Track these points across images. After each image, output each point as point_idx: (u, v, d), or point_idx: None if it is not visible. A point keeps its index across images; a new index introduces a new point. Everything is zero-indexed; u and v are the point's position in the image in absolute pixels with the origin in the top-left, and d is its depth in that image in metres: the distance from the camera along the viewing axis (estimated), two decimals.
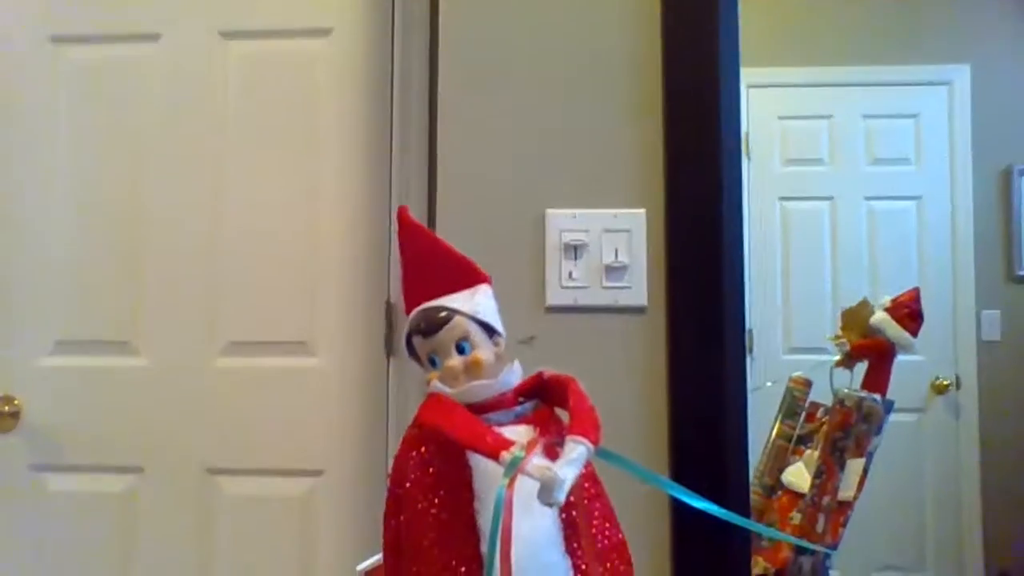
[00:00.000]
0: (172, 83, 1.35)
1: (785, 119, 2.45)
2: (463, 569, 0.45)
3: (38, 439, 1.32)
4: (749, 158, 2.51)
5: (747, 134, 2.32)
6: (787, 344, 2.43)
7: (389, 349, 1.29)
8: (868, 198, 2.47)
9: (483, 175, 1.06)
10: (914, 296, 1.40)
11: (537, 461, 0.42)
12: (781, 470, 1.39)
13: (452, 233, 1.04)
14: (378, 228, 1.30)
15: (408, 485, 0.47)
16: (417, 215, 1.18)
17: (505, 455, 0.42)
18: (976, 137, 2.29)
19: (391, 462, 1.21)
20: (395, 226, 1.22)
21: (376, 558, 0.57)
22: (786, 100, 2.41)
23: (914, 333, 1.39)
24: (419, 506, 0.46)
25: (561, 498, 0.41)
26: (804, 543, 1.13)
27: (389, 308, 1.29)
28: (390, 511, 0.49)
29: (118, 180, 1.35)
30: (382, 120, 1.31)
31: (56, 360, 1.33)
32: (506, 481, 0.41)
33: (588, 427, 0.45)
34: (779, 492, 1.37)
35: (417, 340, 0.52)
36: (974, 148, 2.29)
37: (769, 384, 1.47)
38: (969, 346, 2.32)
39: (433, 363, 0.50)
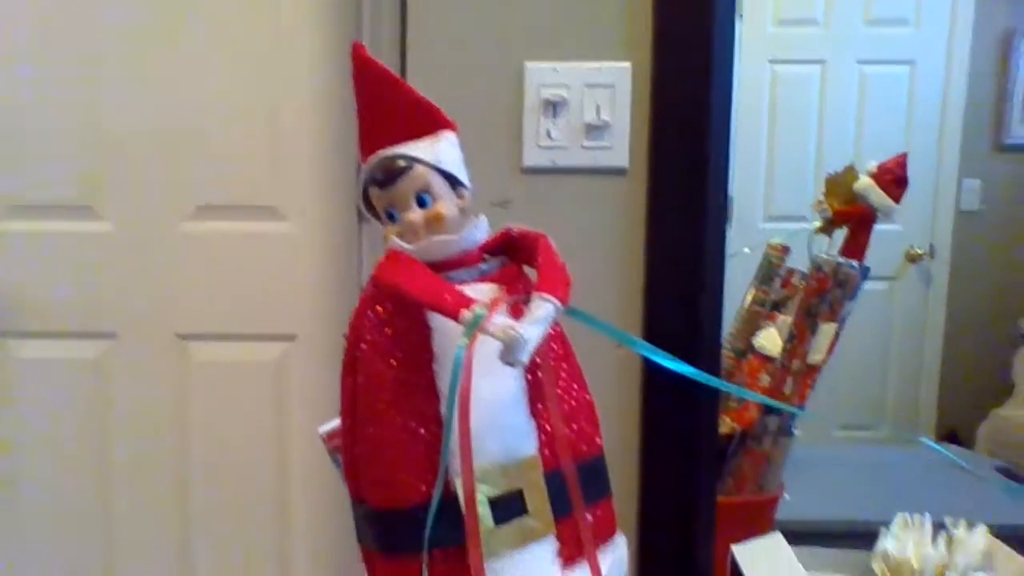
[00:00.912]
0: None
1: None
2: (422, 431, 0.43)
3: (3, 305, 1.28)
4: (740, 17, 2.36)
5: None
6: (767, 212, 2.39)
7: (361, 213, 1.24)
8: (861, 62, 2.36)
9: (457, 24, 0.97)
10: (901, 162, 1.35)
11: (500, 320, 0.38)
12: (753, 334, 1.39)
13: (423, 88, 0.96)
14: (347, 87, 1.21)
15: (364, 346, 0.44)
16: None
17: (465, 314, 0.39)
18: None
19: None
20: None
21: (338, 420, 0.55)
22: None
23: (897, 199, 1.35)
24: (376, 367, 0.43)
25: (524, 359, 0.38)
26: (773, 402, 1.15)
27: (360, 171, 1.23)
28: (347, 371, 0.46)
29: (73, 33, 1.23)
30: None
31: (14, 225, 1.26)
32: (466, 341, 0.38)
33: (557, 284, 0.41)
34: (749, 356, 1.38)
35: (374, 192, 0.47)
36: (977, 9, 2.17)
37: (747, 251, 1.45)
38: (947, 216, 2.31)
39: (391, 217, 0.46)
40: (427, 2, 0.98)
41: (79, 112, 1.24)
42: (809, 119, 2.47)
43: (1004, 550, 1.06)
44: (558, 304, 0.40)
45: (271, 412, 1.29)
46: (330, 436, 0.54)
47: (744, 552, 1.14)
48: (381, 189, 0.46)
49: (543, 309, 0.40)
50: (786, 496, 1.42)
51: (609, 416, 0.95)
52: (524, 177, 0.98)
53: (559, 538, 0.44)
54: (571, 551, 0.44)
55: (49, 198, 1.26)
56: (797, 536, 1.17)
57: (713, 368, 0.98)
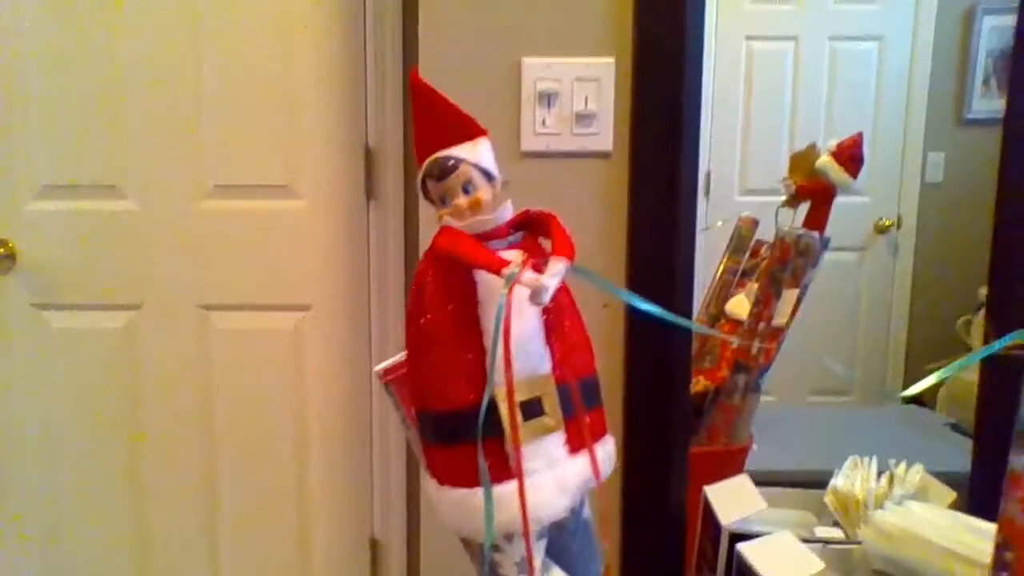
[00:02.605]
0: None
1: None
2: (470, 356, 0.64)
3: (36, 280, 1.46)
4: None
5: None
6: (743, 185, 2.60)
7: (368, 192, 1.44)
8: (832, 38, 2.57)
9: (462, 26, 1.16)
10: (857, 141, 1.57)
11: (529, 274, 0.59)
12: (725, 301, 1.62)
13: (433, 83, 1.15)
14: (355, 74, 1.40)
15: (427, 297, 0.65)
16: (393, 68, 1.30)
17: (506, 270, 0.60)
18: None
19: (374, 297, 1.41)
20: (371, 71, 1.34)
21: (391, 360, 0.76)
22: None
23: (854, 175, 1.58)
24: (437, 311, 0.64)
25: (546, 300, 0.59)
26: (718, 333, 1.39)
27: (368, 152, 1.42)
28: (412, 316, 0.66)
29: (95, 22, 1.40)
30: None
31: (44, 204, 1.45)
32: (506, 290, 0.59)
33: (567, 249, 0.62)
34: (722, 320, 1.60)
35: (431, 183, 0.67)
36: None
37: (719, 224, 1.67)
38: (913, 188, 2.54)
39: (444, 202, 0.66)
40: (435, 9, 1.16)
41: (104, 100, 1.42)
42: (783, 94, 2.67)
43: (936, 484, 1.29)
44: (568, 263, 0.61)
45: (289, 376, 1.50)
46: (385, 372, 0.74)
47: (714, 491, 1.37)
48: (437, 181, 0.66)
49: (558, 267, 0.60)
50: (754, 447, 1.65)
51: (597, 360, 1.17)
52: (523, 160, 1.18)
53: (566, 432, 0.66)
54: (575, 443, 0.66)
55: (78, 179, 1.44)
56: (766, 484, 1.40)
57: (685, 328, 1.20)
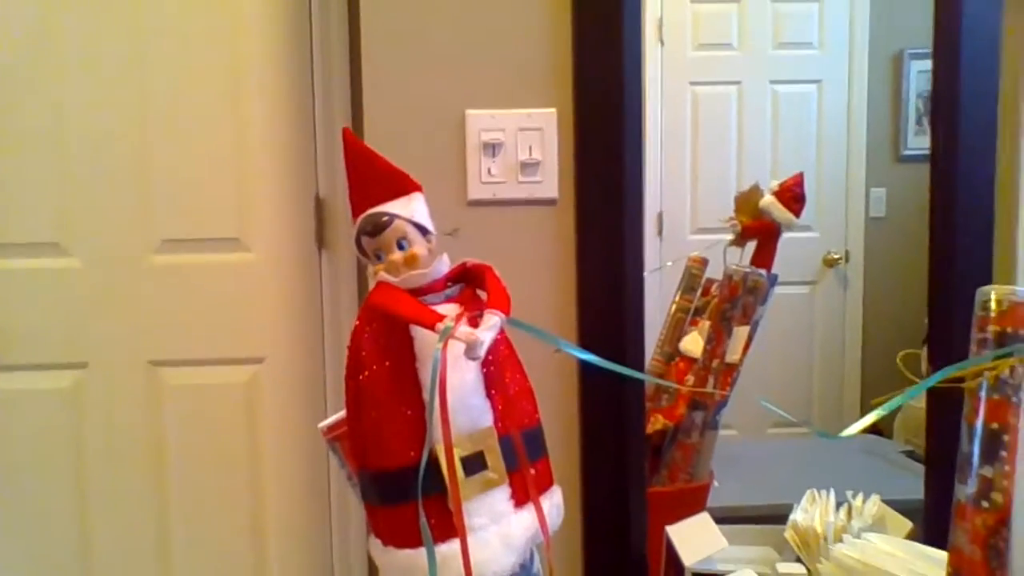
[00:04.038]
0: None
1: (696, 3, 2.57)
2: (409, 412, 0.62)
3: None
4: (663, 43, 2.65)
5: (660, 19, 2.45)
6: (694, 225, 2.64)
7: (320, 242, 1.42)
8: (773, 82, 2.65)
9: (406, 80, 1.17)
10: (798, 180, 1.61)
11: (463, 328, 0.59)
12: (679, 339, 1.63)
13: (380, 135, 1.16)
14: (304, 126, 1.40)
15: (364, 354, 0.64)
16: (341, 119, 1.30)
17: (440, 325, 0.59)
18: (873, 21, 2.49)
19: (327, 347, 1.38)
20: (319, 121, 1.33)
21: (335, 416, 0.74)
22: None
23: (797, 214, 1.61)
24: (375, 367, 0.63)
25: (481, 354, 0.59)
26: (665, 383, 1.39)
27: (318, 202, 1.41)
28: (351, 373, 0.65)
29: (39, 79, 1.38)
30: (303, 22, 1.38)
31: None
32: (440, 345, 0.58)
33: (502, 302, 0.62)
34: (676, 358, 1.61)
35: (365, 239, 0.66)
36: (871, 32, 2.49)
37: (669, 264, 1.69)
38: (858, 222, 2.60)
39: (379, 258, 0.66)
40: (379, 62, 1.17)
41: (46, 155, 1.39)
42: (729, 135, 2.75)
43: (892, 514, 1.30)
44: (502, 316, 0.61)
45: (243, 430, 1.46)
46: (329, 429, 0.72)
47: (676, 531, 1.36)
48: (371, 237, 0.65)
49: (492, 320, 0.60)
50: (716, 483, 1.65)
51: (554, 410, 1.16)
52: (470, 209, 1.18)
53: (511, 486, 0.64)
54: (520, 496, 0.65)
55: (19, 237, 1.41)
56: (728, 520, 1.39)
57: (638, 364, 1.20)
